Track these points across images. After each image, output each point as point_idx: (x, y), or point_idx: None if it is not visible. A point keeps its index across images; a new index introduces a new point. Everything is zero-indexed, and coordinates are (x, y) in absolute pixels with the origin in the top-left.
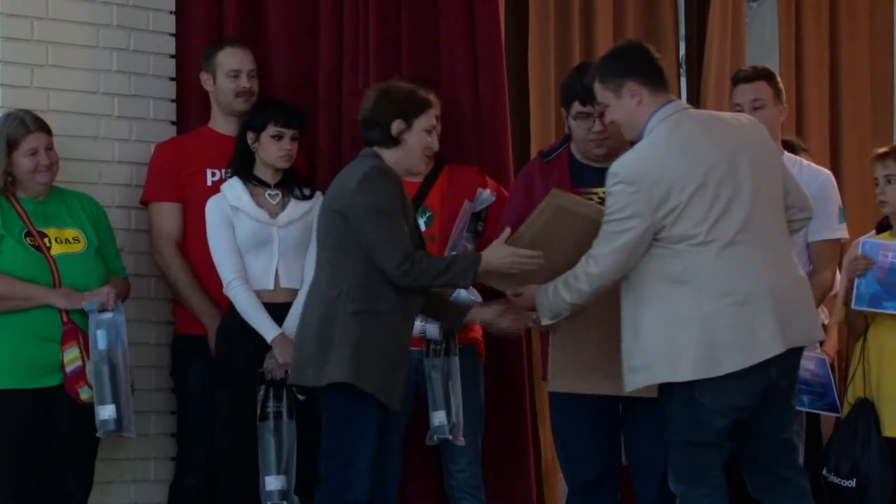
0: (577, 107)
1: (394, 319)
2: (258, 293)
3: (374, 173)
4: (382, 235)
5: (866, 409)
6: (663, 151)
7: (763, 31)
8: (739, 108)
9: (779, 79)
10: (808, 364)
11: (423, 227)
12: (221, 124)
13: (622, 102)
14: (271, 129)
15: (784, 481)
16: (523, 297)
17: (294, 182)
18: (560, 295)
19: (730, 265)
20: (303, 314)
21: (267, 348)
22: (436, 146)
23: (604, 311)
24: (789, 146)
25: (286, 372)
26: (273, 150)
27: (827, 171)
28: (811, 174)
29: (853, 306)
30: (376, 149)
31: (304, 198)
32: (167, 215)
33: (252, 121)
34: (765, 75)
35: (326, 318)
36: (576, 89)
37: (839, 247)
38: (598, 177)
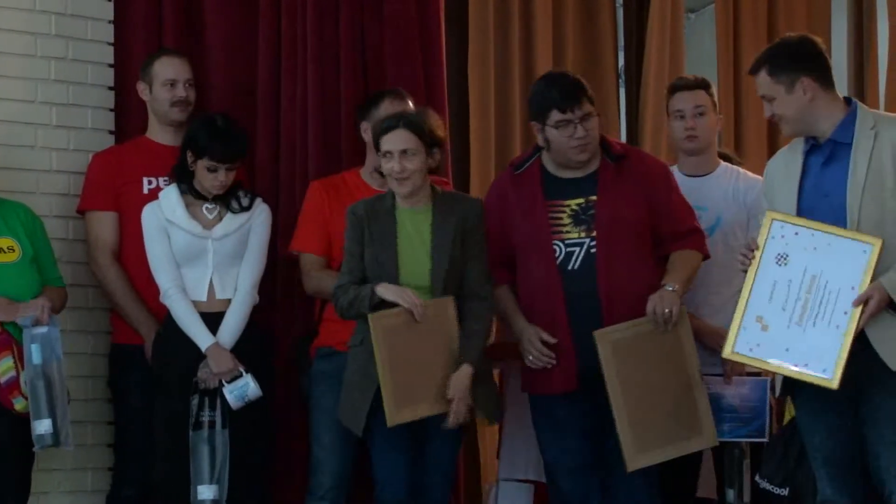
0: (556, 115)
1: (363, 354)
2: (194, 303)
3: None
4: None
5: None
6: None
7: (702, 43)
8: (681, 113)
9: (714, 90)
10: (742, 388)
11: None
12: (158, 134)
13: (793, 98)
14: (206, 162)
15: None
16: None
17: (232, 195)
18: None
19: None
20: None
21: (203, 358)
22: None
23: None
24: (726, 159)
25: (220, 381)
26: (207, 179)
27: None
28: (748, 184)
29: None
30: None
31: (242, 209)
32: (103, 224)
33: (193, 143)
34: (704, 84)
35: None
36: (552, 98)
37: None
38: (571, 188)
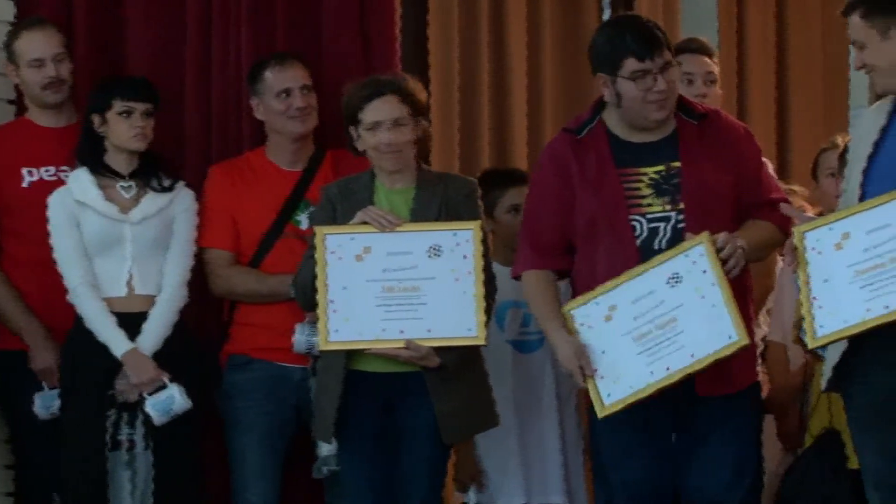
0: (631, 64)
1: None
2: (109, 301)
3: None
4: None
5: (833, 441)
6: None
7: (699, 1)
8: (689, 76)
9: None
10: None
11: (304, 226)
12: (39, 116)
13: (887, 46)
14: (118, 106)
15: None
16: None
17: (152, 171)
18: None
19: None
20: None
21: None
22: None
23: None
24: None
25: (141, 394)
26: (123, 129)
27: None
28: None
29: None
30: None
31: (164, 189)
32: None
33: (95, 101)
34: (712, 54)
35: None
36: (626, 44)
37: None
38: (646, 154)
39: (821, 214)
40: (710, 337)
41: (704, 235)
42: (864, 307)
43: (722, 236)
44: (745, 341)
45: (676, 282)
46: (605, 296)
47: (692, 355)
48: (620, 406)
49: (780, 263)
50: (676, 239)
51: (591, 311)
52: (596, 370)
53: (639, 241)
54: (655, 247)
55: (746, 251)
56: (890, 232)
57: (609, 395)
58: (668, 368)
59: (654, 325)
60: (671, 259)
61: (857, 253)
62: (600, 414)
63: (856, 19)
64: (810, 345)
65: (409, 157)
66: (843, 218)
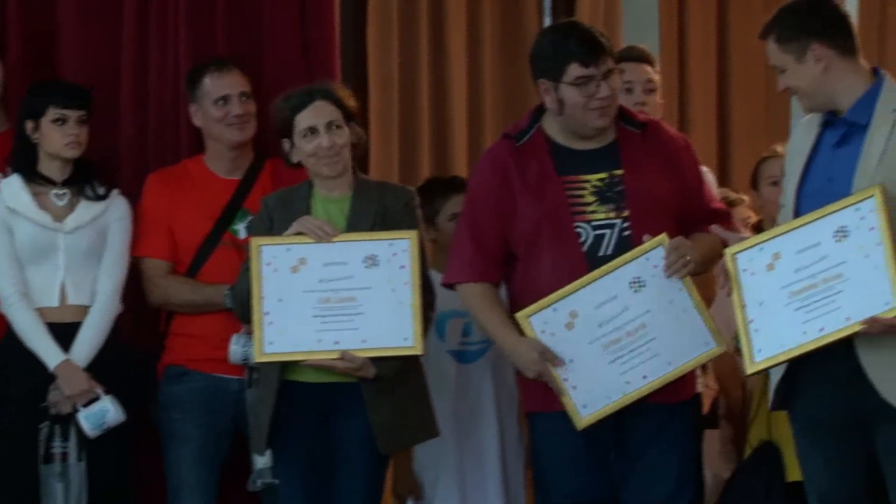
0: (575, 70)
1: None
2: (42, 311)
3: None
4: None
5: (770, 454)
6: None
7: (639, 3)
8: (629, 84)
9: None
10: None
11: (241, 235)
12: None
13: (804, 68)
14: (52, 113)
15: None
16: None
17: (86, 179)
18: None
19: None
20: None
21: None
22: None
23: None
24: None
25: (74, 406)
26: (57, 137)
27: (705, 168)
28: None
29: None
30: None
31: (98, 198)
32: None
33: (28, 107)
34: (653, 62)
35: None
36: (570, 49)
37: None
38: (588, 162)
39: (760, 223)
40: (686, 344)
41: (664, 237)
42: (800, 330)
43: (677, 240)
44: (722, 348)
45: (640, 286)
46: (564, 301)
47: (669, 363)
48: (599, 417)
49: None
50: (622, 246)
51: (550, 318)
52: (567, 376)
53: (584, 248)
54: (601, 254)
55: (696, 264)
56: (820, 251)
57: (585, 407)
58: (644, 377)
59: (624, 332)
60: (630, 262)
61: (789, 274)
62: (579, 426)
63: (771, 45)
64: (749, 370)
65: (347, 161)
66: (772, 238)
